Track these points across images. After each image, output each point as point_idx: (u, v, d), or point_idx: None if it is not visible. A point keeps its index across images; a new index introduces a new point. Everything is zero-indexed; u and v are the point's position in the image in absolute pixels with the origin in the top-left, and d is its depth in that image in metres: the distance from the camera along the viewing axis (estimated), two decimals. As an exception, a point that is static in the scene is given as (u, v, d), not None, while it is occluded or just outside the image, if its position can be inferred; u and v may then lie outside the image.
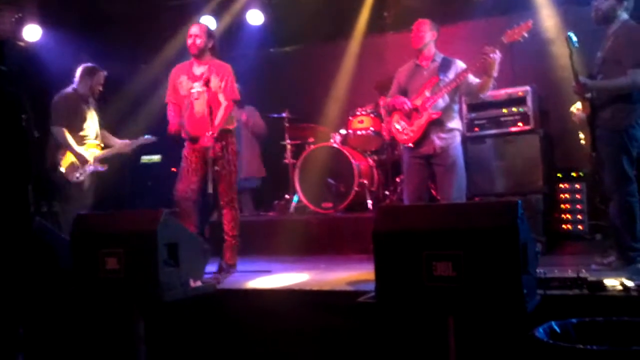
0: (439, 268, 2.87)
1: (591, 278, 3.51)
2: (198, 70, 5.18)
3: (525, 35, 4.63)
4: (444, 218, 3.00)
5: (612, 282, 3.45)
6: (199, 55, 5.16)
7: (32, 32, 7.20)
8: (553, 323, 2.73)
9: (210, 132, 4.89)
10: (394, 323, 3.64)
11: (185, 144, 5.22)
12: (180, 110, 5.21)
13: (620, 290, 3.38)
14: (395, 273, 2.97)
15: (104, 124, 6.19)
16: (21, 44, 7.23)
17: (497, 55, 4.66)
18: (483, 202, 5.32)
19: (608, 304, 3.29)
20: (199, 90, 5.09)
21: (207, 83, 4.98)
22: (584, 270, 3.66)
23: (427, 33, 5.01)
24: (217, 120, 4.99)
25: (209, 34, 5.23)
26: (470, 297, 2.81)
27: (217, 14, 7.64)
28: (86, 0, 7.37)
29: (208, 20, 7.50)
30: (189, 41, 5.15)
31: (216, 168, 5.03)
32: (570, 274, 3.62)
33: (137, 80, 7.88)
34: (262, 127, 7.69)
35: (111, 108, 7.58)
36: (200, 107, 5.08)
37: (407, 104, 4.94)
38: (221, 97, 5.08)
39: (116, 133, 7.59)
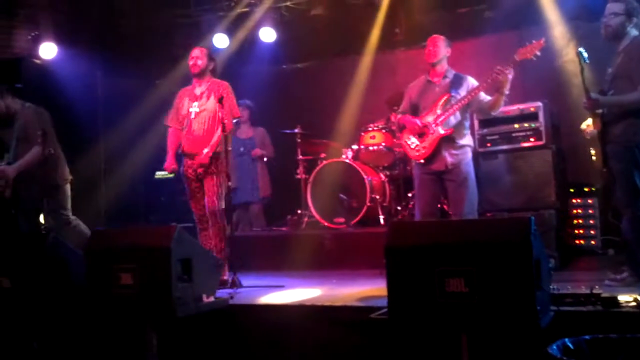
0: (452, 284, 2.87)
1: (605, 294, 3.48)
2: (198, 90, 5.45)
3: (538, 53, 4.64)
4: (457, 234, 3.01)
5: (626, 299, 3.43)
6: (200, 75, 5.42)
7: (47, 50, 7.29)
8: (567, 340, 2.72)
9: (207, 150, 5.21)
10: (407, 339, 3.63)
11: (183, 161, 5.45)
12: (180, 134, 5.46)
13: (634, 307, 3.35)
14: (408, 289, 2.98)
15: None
16: (37, 61, 7.32)
17: (509, 73, 4.68)
18: (496, 218, 5.32)
19: (622, 320, 3.26)
20: (197, 110, 5.34)
21: (207, 100, 5.28)
22: (597, 287, 3.64)
23: (443, 49, 5.05)
24: (213, 139, 5.25)
25: (210, 57, 5.52)
26: (483, 314, 2.81)
27: (230, 31, 7.72)
28: (100, 18, 7.47)
29: (220, 39, 7.59)
30: (191, 62, 5.45)
31: (204, 183, 5.27)
32: (583, 290, 3.60)
33: (150, 96, 7.96)
34: (271, 152, 7.73)
35: (125, 123, 7.68)
36: (197, 125, 5.32)
37: (417, 124, 4.96)
38: (220, 115, 5.22)
39: (130, 147, 7.69)
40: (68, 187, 5.72)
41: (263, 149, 7.61)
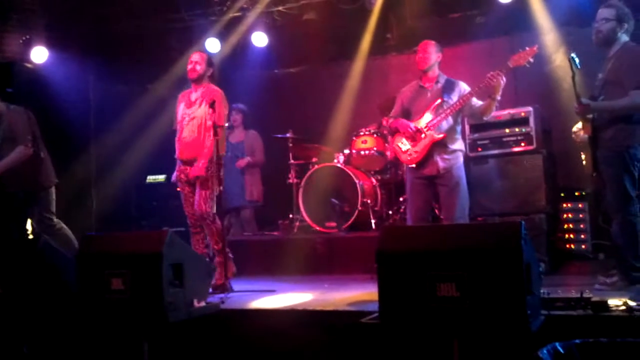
0: (443, 289, 2.88)
1: (595, 298, 3.50)
2: (194, 96, 5.38)
3: (531, 60, 4.67)
4: (448, 239, 3.02)
5: (616, 303, 3.44)
6: (197, 81, 5.36)
7: (39, 54, 7.24)
8: (557, 344, 2.73)
9: (202, 162, 5.09)
10: (398, 344, 3.64)
11: (176, 166, 5.40)
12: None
13: (624, 311, 3.36)
14: (399, 293, 2.98)
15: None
16: (29, 65, 7.29)
17: (502, 79, 4.70)
18: (487, 222, 5.33)
19: (612, 324, 3.28)
20: (189, 116, 5.29)
21: (199, 107, 5.22)
22: (587, 291, 3.66)
23: (433, 55, 5.06)
24: (205, 149, 5.15)
25: (209, 62, 5.43)
26: (474, 318, 2.82)
27: (223, 35, 7.72)
28: (92, 22, 7.44)
29: (212, 43, 7.59)
30: (189, 67, 5.36)
31: (195, 187, 5.20)
32: (573, 294, 3.62)
33: (142, 100, 7.95)
34: (260, 157, 7.70)
35: (116, 127, 7.66)
36: (188, 131, 5.27)
37: (411, 127, 4.97)
38: (210, 122, 5.18)
39: (122, 152, 7.65)
40: (53, 190, 5.67)
41: (252, 154, 7.59)
